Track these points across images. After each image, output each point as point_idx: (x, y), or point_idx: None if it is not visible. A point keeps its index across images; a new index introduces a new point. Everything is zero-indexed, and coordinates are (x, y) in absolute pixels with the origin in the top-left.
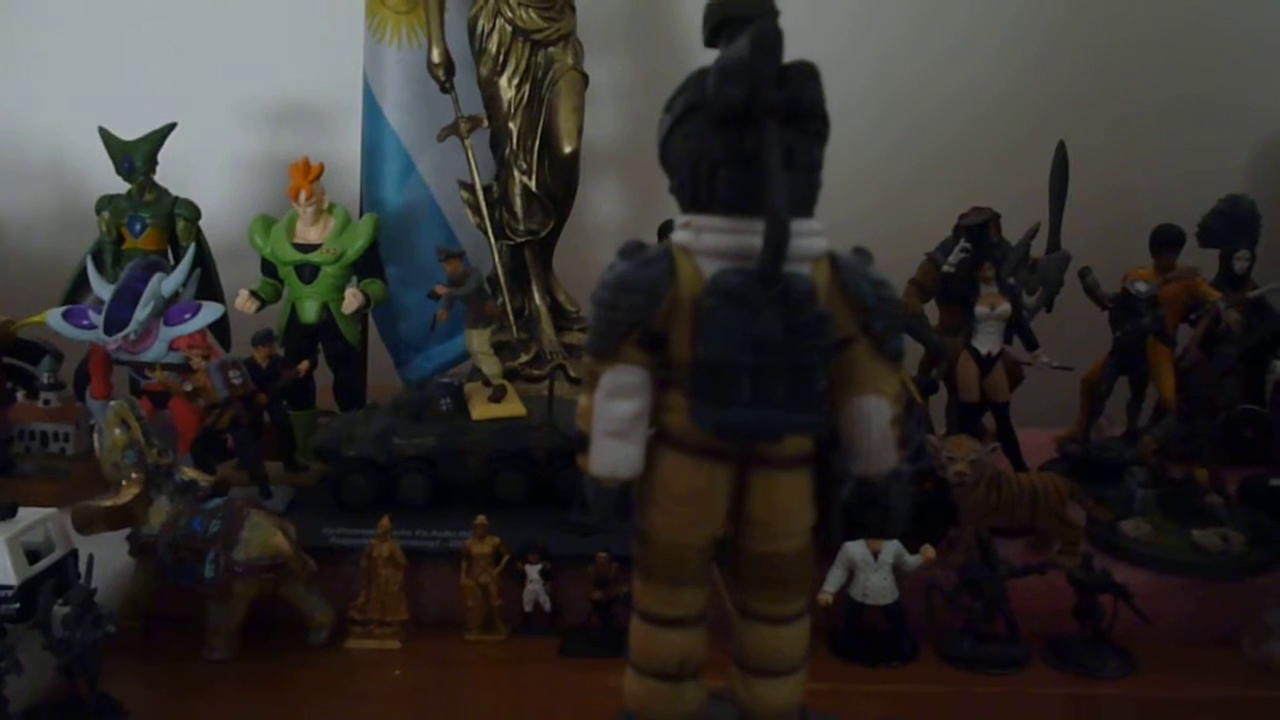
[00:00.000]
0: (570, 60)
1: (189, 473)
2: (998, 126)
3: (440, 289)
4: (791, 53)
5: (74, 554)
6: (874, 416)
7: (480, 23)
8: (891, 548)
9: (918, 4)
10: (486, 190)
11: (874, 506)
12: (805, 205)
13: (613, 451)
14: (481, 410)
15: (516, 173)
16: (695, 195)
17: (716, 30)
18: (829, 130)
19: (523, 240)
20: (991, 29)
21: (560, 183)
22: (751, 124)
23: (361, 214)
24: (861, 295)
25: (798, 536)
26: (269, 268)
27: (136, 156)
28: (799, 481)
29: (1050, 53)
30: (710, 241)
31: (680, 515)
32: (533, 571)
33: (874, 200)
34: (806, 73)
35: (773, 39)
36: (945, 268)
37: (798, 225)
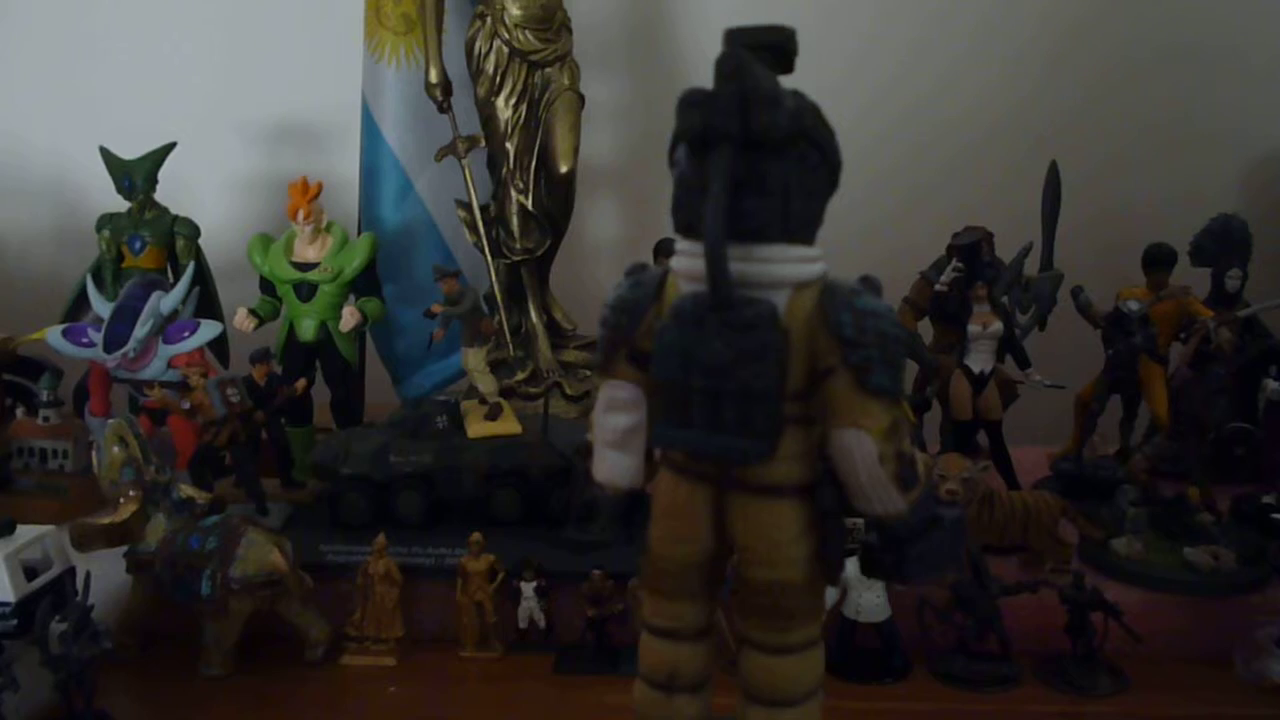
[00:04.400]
0: (567, 81)
1: (186, 490)
2: (994, 150)
3: (436, 307)
4: (790, 81)
5: (72, 571)
6: (855, 451)
7: (478, 44)
8: None
9: (915, 32)
10: (484, 209)
11: (891, 550)
12: (782, 231)
13: (610, 461)
14: (477, 428)
15: (513, 192)
16: (676, 219)
17: None
18: (823, 156)
19: (519, 259)
20: (988, 56)
21: (557, 202)
22: (710, 150)
23: (359, 233)
24: (838, 325)
25: (790, 567)
26: (267, 286)
27: (137, 175)
28: (784, 511)
29: (1045, 79)
30: (684, 264)
31: (666, 529)
32: (528, 588)
33: (872, 221)
34: (768, 99)
35: (731, 68)
36: (938, 286)
37: (768, 251)
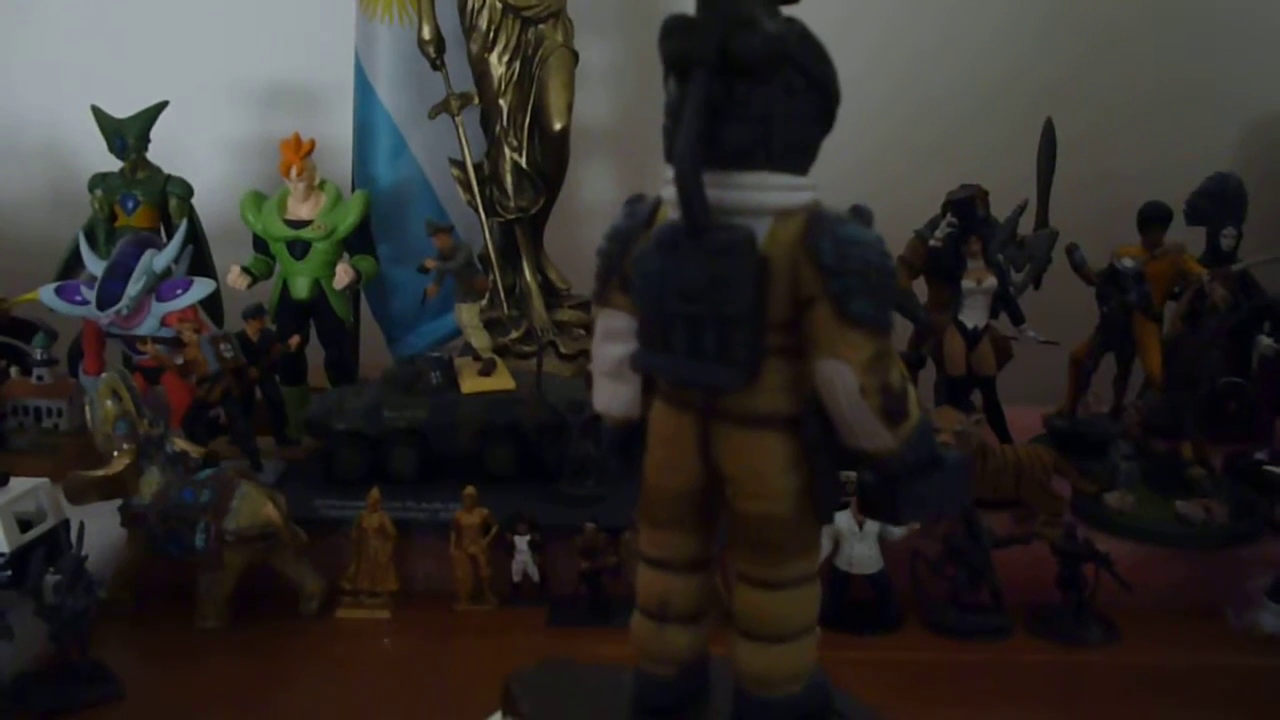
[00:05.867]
0: (560, 37)
1: (180, 443)
2: (993, 113)
3: (430, 262)
4: None
5: (65, 523)
6: (835, 381)
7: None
8: None
9: None
10: (477, 167)
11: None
12: (764, 158)
13: (607, 390)
14: (471, 384)
15: (507, 150)
16: (665, 147)
17: None
18: (810, 81)
19: (513, 217)
20: (986, 17)
21: (551, 160)
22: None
23: (353, 191)
24: (818, 252)
25: (778, 500)
26: (260, 244)
27: (129, 134)
28: (770, 442)
29: (1043, 40)
30: (669, 191)
31: (657, 458)
32: (521, 542)
33: (871, 187)
34: (743, 23)
35: None
36: (932, 242)
37: (749, 178)
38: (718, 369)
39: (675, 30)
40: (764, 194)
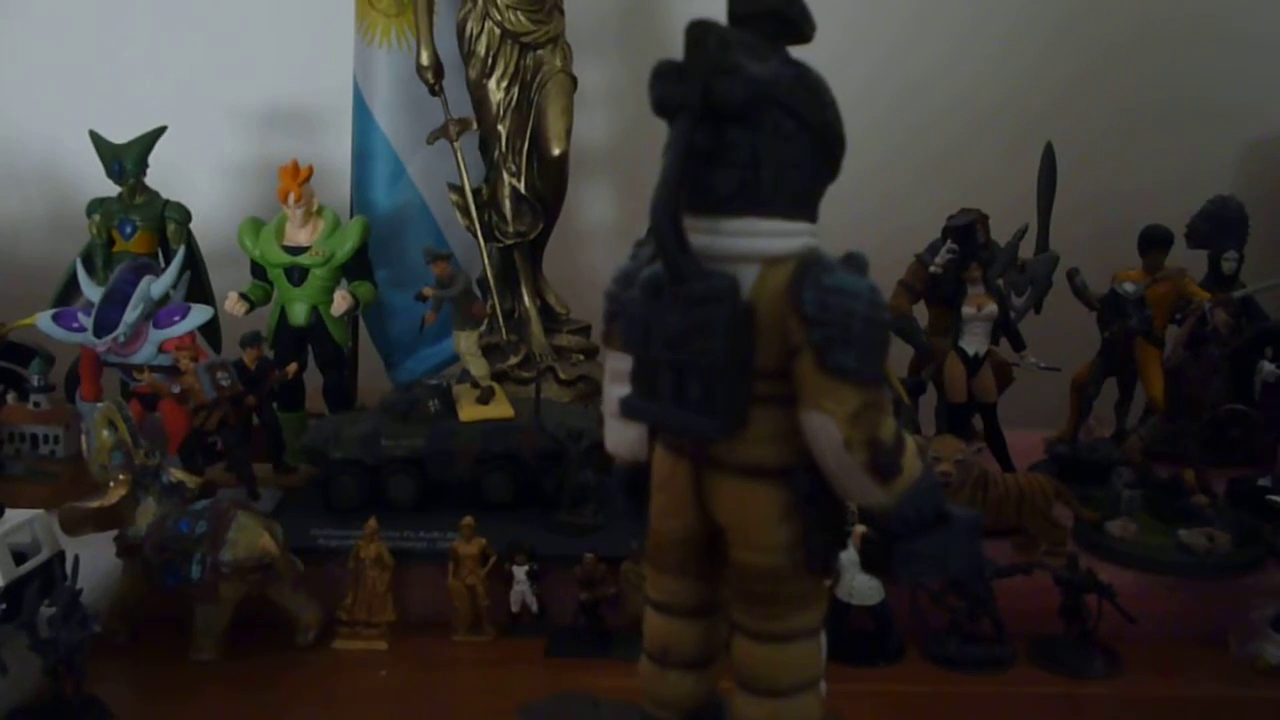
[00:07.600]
0: (559, 63)
1: (176, 474)
2: (993, 131)
3: (428, 290)
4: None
5: (61, 555)
6: (819, 434)
7: (469, 25)
8: None
9: (913, 12)
10: (476, 192)
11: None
12: (750, 204)
13: (614, 431)
14: (469, 412)
15: (506, 175)
16: None
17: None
18: (801, 125)
19: (512, 242)
20: (984, 38)
21: (549, 185)
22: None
23: (351, 217)
24: (801, 302)
25: (772, 552)
26: (258, 270)
27: (127, 159)
28: (762, 493)
29: (1043, 60)
30: None
31: (658, 503)
32: (520, 572)
33: (872, 204)
34: (724, 68)
35: (692, 36)
36: (932, 268)
37: (735, 224)
38: (700, 418)
39: (662, 76)
40: (751, 240)
